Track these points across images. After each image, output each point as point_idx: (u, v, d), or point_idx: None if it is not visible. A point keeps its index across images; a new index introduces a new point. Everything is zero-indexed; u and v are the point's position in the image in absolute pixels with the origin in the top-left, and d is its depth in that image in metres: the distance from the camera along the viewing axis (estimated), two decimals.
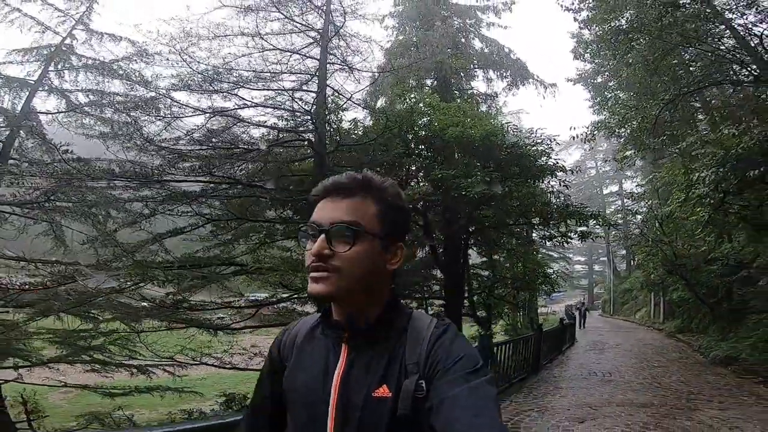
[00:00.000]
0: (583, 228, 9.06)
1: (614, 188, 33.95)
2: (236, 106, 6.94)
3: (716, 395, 5.81)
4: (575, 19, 9.55)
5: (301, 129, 7.59)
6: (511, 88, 14.87)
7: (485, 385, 0.68)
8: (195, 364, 6.10)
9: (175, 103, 7.19)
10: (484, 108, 15.23)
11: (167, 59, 6.83)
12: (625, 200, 30.48)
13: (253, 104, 7.00)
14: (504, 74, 14.83)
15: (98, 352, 6.41)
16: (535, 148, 8.37)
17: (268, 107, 7.21)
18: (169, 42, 6.88)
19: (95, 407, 7.40)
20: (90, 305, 5.10)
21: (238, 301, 6.70)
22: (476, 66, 14.89)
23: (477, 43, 15.72)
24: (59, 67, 8.73)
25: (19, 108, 8.46)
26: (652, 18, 7.78)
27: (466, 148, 8.06)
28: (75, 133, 8.30)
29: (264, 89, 7.38)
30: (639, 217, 20.15)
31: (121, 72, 8.51)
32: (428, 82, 14.48)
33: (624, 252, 31.17)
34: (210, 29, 7.02)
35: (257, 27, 7.46)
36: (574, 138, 11.10)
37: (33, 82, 8.41)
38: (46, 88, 8.65)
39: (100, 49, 8.76)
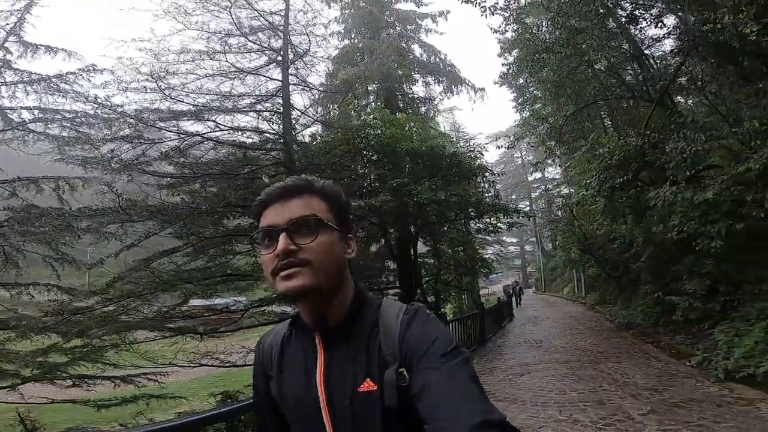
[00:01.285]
0: (509, 220, 10.96)
1: (538, 175, 37.97)
2: (209, 129, 7.63)
3: (616, 353, 7.68)
4: (501, 50, 11.27)
5: (269, 147, 8.44)
6: (446, 92, 16.61)
7: (462, 364, 0.70)
8: (194, 367, 6.83)
9: (145, 125, 7.70)
10: (423, 110, 16.88)
11: (143, 85, 7.25)
12: (548, 186, 34.41)
13: (228, 128, 7.74)
14: (440, 79, 16.49)
15: (75, 366, 6.86)
16: (468, 155, 10.03)
17: (240, 130, 7.97)
18: (139, 67, 7.37)
19: (75, 421, 7.87)
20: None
21: (231, 306, 7.49)
22: (416, 72, 16.39)
23: (417, 49, 17.23)
24: None
25: None
26: (560, 42, 9.68)
27: (414, 159, 9.46)
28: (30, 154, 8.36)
29: (234, 111, 8.12)
30: (559, 200, 23.35)
31: (68, 89, 8.62)
32: (372, 87, 15.69)
33: (549, 233, 35.21)
34: (179, 54, 7.61)
35: (224, 50, 8.19)
36: (498, 147, 13.17)
37: None
38: None
39: (32, 60, 8.67)
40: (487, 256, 19.11)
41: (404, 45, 16.60)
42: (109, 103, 7.35)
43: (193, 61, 8.03)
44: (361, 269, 10.88)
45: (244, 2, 9.00)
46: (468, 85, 16.48)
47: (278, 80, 9.28)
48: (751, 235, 6.17)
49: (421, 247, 15.77)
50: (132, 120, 7.73)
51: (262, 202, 0.80)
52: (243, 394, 6.03)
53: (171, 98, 7.42)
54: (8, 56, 8.57)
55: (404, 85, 16.06)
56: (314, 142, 9.59)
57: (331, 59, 14.01)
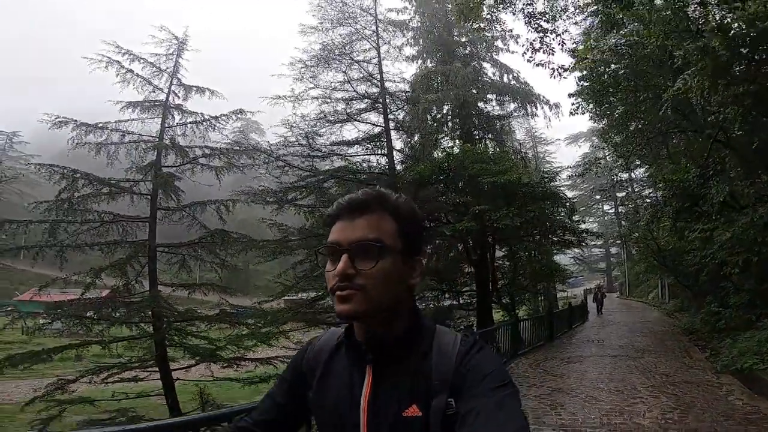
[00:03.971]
0: (580, 238, 13.03)
1: (625, 175, 37.54)
2: (341, 175, 10.97)
3: (661, 351, 9.70)
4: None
5: (378, 177, 11.55)
6: (520, 109, 18.55)
7: (510, 398, 0.74)
8: None
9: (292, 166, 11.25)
10: (498, 126, 18.98)
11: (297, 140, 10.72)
12: (634, 187, 34.20)
13: (351, 171, 11.02)
14: (515, 98, 18.45)
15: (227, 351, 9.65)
16: (542, 185, 12.32)
17: (358, 173, 11.22)
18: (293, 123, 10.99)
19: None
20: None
21: None
22: (489, 91, 18.51)
23: (489, 68, 19.34)
24: (169, 123, 11.01)
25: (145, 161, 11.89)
26: (626, 77, 11.50)
27: (494, 188, 11.91)
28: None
29: (352, 155, 11.44)
30: (647, 202, 24.00)
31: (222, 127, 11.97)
32: (447, 107, 18.10)
33: (636, 234, 34.87)
34: (317, 117, 11.09)
35: (347, 110, 11.52)
36: (570, 177, 15.15)
37: (156, 139, 10.66)
38: (167, 142, 11.85)
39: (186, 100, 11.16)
40: (567, 262, 20.78)
41: (476, 64, 18.74)
42: (272, 152, 10.93)
43: (325, 117, 11.41)
44: (440, 272, 13.60)
45: (354, 62, 12.25)
46: (542, 101, 18.25)
47: (381, 125, 12.38)
48: None
49: (498, 251, 18.03)
50: (281, 162, 11.34)
51: (331, 216, 0.86)
52: None
53: (314, 149, 10.84)
54: (177, 100, 11.06)
55: (479, 104, 18.25)
56: (410, 174, 12.49)
57: (409, 84, 16.56)
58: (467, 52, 19.04)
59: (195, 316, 10.70)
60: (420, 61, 19.42)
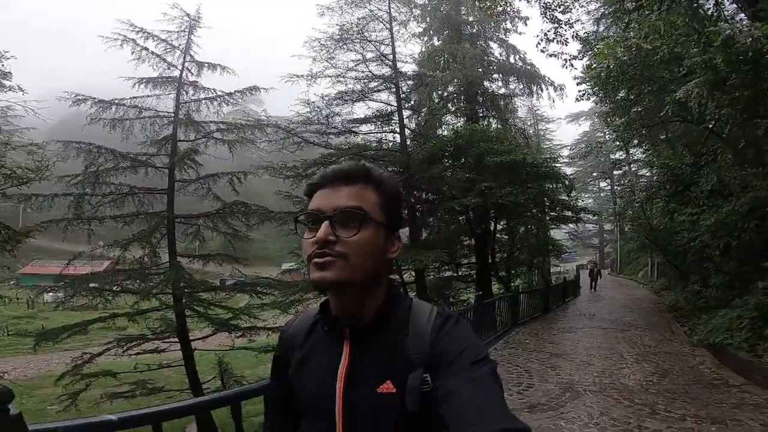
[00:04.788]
0: (578, 215, 13.99)
1: (623, 155, 38.35)
2: (358, 151, 11.64)
3: (646, 326, 10.75)
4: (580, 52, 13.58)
5: (389, 157, 12.24)
6: (525, 89, 19.03)
7: (489, 373, 0.74)
8: None
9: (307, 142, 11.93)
10: (501, 104, 19.47)
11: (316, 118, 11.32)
12: (630, 167, 35.06)
13: (363, 146, 11.71)
14: (520, 78, 18.89)
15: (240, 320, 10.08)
16: (545, 165, 13.11)
17: (371, 150, 11.89)
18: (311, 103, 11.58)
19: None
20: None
21: None
22: (495, 71, 18.91)
23: (496, 48, 19.62)
24: (183, 98, 11.30)
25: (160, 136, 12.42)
26: (634, 66, 12.11)
27: (500, 167, 12.66)
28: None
29: (365, 132, 12.12)
30: (643, 180, 25.03)
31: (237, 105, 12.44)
32: (452, 88, 18.51)
33: (630, 212, 35.98)
34: (334, 97, 11.68)
35: (363, 89, 12.07)
36: (571, 157, 15.91)
37: (172, 115, 11.02)
38: (183, 118, 11.26)
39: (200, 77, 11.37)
40: (562, 236, 21.81)
41: (483, 44, 19.00)
42: (291, 129, 11.56)
43: (341, 96, 11.98)
44: (444, 244, 14.42)
45: (370, 44, 12.68)
46: (548, 82, 18.72)
47: (393, 105, 12.92)
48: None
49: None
50: (298, 138, 12.00)
51: (315, 184, 0.84)
52: None
53: (330, 126, 11.50)
54: (190, 76, 11.24)
55: (485, 83, 18.64)
56: (420, 151, 13.12)
57: (416, 62, 16.85)
58: (474, 31, 19.19)
59: (214, 286, 11.42)
60: (426, 38, 19.41)
